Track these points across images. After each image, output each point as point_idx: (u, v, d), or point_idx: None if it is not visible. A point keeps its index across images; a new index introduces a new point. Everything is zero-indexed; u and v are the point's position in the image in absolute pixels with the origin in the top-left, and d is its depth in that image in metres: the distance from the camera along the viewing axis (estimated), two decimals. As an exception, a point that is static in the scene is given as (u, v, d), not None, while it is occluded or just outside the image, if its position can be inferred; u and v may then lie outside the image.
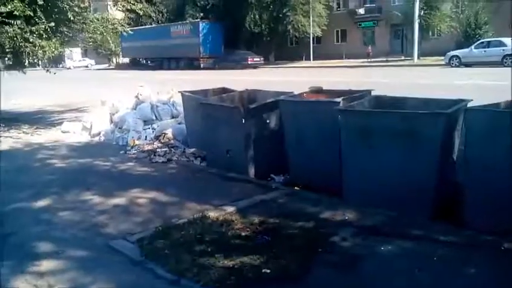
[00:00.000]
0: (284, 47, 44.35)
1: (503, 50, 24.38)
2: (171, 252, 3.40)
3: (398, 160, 4.09)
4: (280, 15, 38.38)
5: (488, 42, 25.98)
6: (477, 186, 3.66)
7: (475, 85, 14.12)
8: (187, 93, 7.21)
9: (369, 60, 34.82)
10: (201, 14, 41.97)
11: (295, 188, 5.07)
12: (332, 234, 3.65)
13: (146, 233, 3.79)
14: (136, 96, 8.90)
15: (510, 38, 25.48)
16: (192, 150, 6.89)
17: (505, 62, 23.82)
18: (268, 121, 5.69)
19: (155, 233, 3.76)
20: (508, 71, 20.72)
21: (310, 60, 38.82)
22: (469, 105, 4.25)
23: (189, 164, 6.48)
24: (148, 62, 46.87)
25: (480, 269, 3.00)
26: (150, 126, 8.22)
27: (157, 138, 7.58)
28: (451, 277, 2.96)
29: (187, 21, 41.82)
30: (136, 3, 14.17)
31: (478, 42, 26.68)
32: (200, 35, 40.20)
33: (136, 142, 7.68)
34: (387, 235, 3.62)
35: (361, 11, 41.44)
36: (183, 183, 5.44)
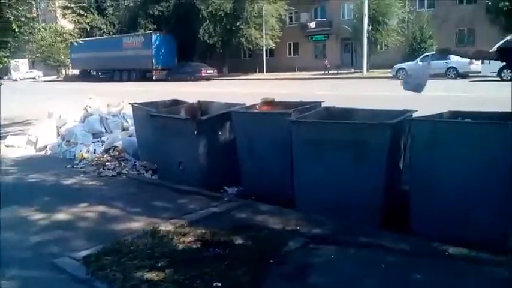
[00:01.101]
0: (238, 59, 44.64)
1: (446, 62, 25.56)
2: (119, 269, 3.28)
3: (347, 170, 4.16)
4: (234, 28, 38.65)
5: (433, 55, 27.09)
6: (421, 193, 3.78)
7: (420, 96, 14.64)
8: (137, 105, 7.08)
9: (326, 72, 35.61)
10: (154, 26, 41.67)
11: (248, 199, 5.05)
12: (284, 244, 3.65)
13: (93, 249, 3.65)
14: (85, 109, 8.66)
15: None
16: (143, 163, 6.76)
17: (449, 74, 25.02)
18: (220, 133, 5.66)
19: (102, 249, 3.63)
20: (451, 82, 21.75)
21: (263, 72, 39.28)
22: (414, 115, 4.40)
23: (139, 177, 6.34)
24: (99, 73, 45.93)
25: (426, 275, 3.08)
26: (99, 139, 8.01)
27: (106, 151, 7.37)
28: (398, 283, 3.03)
29: (140, 33, 41.44)
30: (85, 16, 13.90)
31: (423, 55, 27.83)
32: (153, 46, 39.88)
33: (85, 155, 7.45)
34: (338, 244, 3.67)
35: (312, 24, 42.44)
36: (133, 197, 5.31)
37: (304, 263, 3.34)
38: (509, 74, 21.06)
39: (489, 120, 3.85)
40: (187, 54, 40.73)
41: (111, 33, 47.30)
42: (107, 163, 6.78)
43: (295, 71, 40.49)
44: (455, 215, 3.62)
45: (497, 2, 27.12)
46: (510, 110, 3.77)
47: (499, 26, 27.22)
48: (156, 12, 40.99)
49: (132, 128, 7.96)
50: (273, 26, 39.58)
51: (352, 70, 35.85)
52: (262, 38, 38.50)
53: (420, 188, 3.79)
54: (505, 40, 21.57)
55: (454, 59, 25.49)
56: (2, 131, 11.08)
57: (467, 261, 3.24)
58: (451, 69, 25.12)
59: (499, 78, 21.35)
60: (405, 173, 4.43)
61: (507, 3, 26.19)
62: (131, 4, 44.07)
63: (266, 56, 40.35)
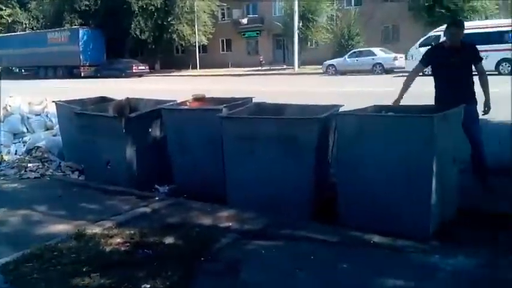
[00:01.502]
0: (170, 56, 43.94)
1: (373, 59, 26.68)
2: (41, 276, 3.10)
3: (278, 165, 4.21)
4: (165, 23, 38.03)
5: (360, 51, 28.25)
6: (348, 186, 3.89)
7: (348, 91, 15.19)
8: (62, 103, 6.75)
9: (261, 68, 35.91)
10: (81, 21, 40.01)
11: (180, 197, 4.97)
12: (216, 241, 3.63)
13: (12, 257, 3.41)
14: (5, 108, 8.14)
15: (379, 48, 27.97)
16: (68, 163, 6.45)
17: (375, 70, 26.09)
18: (150, 130, 5.53)
19: (22, 256, 3.41)
20: (377, 78, 22.69)
21: (196, 68, 38.97)
22: (341, 110, 4.52)
23: (65, 179, 6.05)
24: (23, 70, 43.39)
25: (353, 264, 3.18)
26: (20, 139, 7.56)
27: (29, 152, 6.97)
28: (327, 274, 3.10)
29: (66, 28, 39.65)
30: (3, 10, 13.08)
31: (351, 51, 28.87)
32: (80, 42, 38.30)
33: (5, 157, 6.99)
34: (269, 238, 3.69)
35: (245, 21, 42.63)
36: (57, 199, 5.04)
37: (236, 259, 3.33)
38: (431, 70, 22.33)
39: (411, 114, 4.03)
40: (117, 50, 39.48)
41: (34, 28, 44.86)
42: (29, 164, 6.40)
43: (228, 67, 40.50)
44: (381, 206, 3.75)
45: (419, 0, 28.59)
46: (431, 104, 3.98)
47: (421, 23, 28.70)
48: (83, 7, 39.34)
49: (56, 127, 7.58)
50: (205, 22, 39.35)
51: (284, 66, 36.44)
52: (195, 34, 38.14)
53: (347, 180, 3.90)
54: (427, 36, 22.91)
55: (380, 56, 26.70)
56: None
57: (391, 249, 3.38)
58: (377, 65, 26.23)
59: (421, 74, 22.54)
60: (333, 167, 4.54)
61: (429, 1, 27.68)
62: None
63: (199, 52, 40.06)
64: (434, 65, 4.94)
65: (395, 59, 26.16)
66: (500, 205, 4.31)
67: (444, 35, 5.01)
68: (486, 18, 26.22)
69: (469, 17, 26.51)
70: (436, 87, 4.97)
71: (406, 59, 24.50)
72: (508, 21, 22.44)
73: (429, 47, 5.00)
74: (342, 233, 3.70)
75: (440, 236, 3.62)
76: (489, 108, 4.86)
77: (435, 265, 3.11)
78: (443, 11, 26.67)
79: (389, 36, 36.75)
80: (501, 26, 20.99)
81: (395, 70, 25.88)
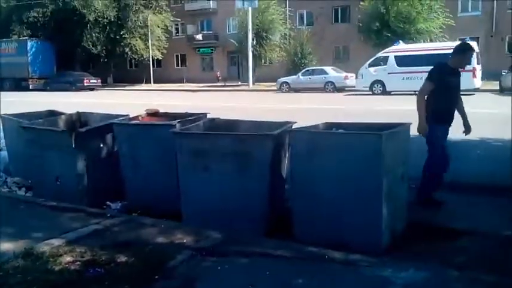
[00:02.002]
0: (123, 69, 43.34)
1: (325, 77, 27.41)
2: (-17, 298, 2.97)
3: (232, 181, 4.23)
4: (118, 37, 37.50)
5: (313, 70, 28.95)
6: (301, 201, 3.97)
7: (301, 108, 15.50)
8: (8, 117, 6.51)
9: (219, 83, 35.96)
10: (29, 32, 38.75)
11: (133, 214, 4.89)
12: (170, 258, 3.57)
13: (-48, 278, 3.26)
14: None
15: (331, 67, 28.77)
16: (15, 179, 6.21)
17: (327, 88, 26.78)
18: (102, 145, 5.43)
19: (-37, 277, 3.26)
20: (329, 96, 23.27)
21: (150, 83, 38.55)
22: (294, 126, 4.62)
23: (11, 195, 5.79)
24: (-33, 82, 41.41)
25: (307, 279, 3.23)
26: (-38, 154, 7.20)
27: (-29, 167, 6.66)
28: (282, 289, 3.14)
29: (13, 39, 38.29)
30: None
31: (304, 70, 29.53)
32: (28, 54, 37.12)
33: None
34: (224, 255, 3.68)
35: (199, 37, 42.75)
36: (2, 217, 4.82)
37: (191, 277, 3.30)
38: (380, 89, 23.19)
39: (359, 131, 4.18)
40: (67, 62, 38.57)
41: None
42: (-28, 181, 6.12)
43: (183, 82, 40.34)
44: (333, 220, 3.85)
45: (368, 23, 29.69)
46: (380, 122, 4.14)
47: (370, 44, 29.78)
48: (31, 19, 38.15)
49: (2, 142, 7.28)
50: (159, 37, 39.16)
51: (239, 83, 36.73)
52: (148, 48, 37.81)
53: (300, 196, 3.98)
54: (376, 57, 23.79)
55: (332, 74, 27.46)
56: None
57: (345, 263, 3.45)
58: (329, 84, 26.94)
59: (370, 92, 23.35)
60: (288, 182, 4.61)
61: (377, 24, 28.81)
62: (3, 8, 40.52)
63: (153, 66, 39.74)
64: (442, 83, 4.91)
65: (346, 78, 27.02)
66: (450, 220, 4.53)
67: (453, 56, 5.11)
68: (431, 40, 27.54)
69: (415, 39, 27.75)
70: (436, 104, 4.92)
71: (356, 77, 25.33)
72: (451, 43, 23.71)
73: (436, 65, 5.11)
74: (296, 249, 3.74)
75: (392, 250, 3.76)
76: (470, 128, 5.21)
77: (387, 279, 3.19)
78: (389, 35, 27.78)
79: (340, 55, 37.91)
80: (445, 49, 22.09)
81: (346, 88, 26.69)
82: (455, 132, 5.19)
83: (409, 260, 3.55)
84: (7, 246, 3.94)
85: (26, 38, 38.22)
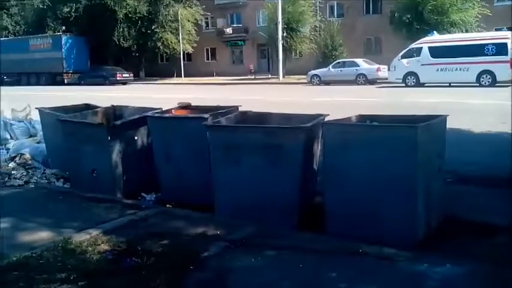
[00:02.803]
0: (155, 64, 43.89)
1: (356, 69, 27.03)
2: (26, 285, 3.07)
3: (264, 174, 4.24)
4: (149, 32, 37.96)
5: (344, 62, 28.60)
6: (334, 194, 3.94)
7: (333, 101, 15.36)
8: (46, 110, 6.69)
9: (250, 77, 35.95)
10: (63, 27, 39.67)
11: (167, 206, 4.97)
12: (204, 250, 3.63)
13: (-3, 265, 3.40)
14: (-14, 114, 8.05)
15: (362, 59, 28.36)
16: (53, 171, 6.39)
17: (358, 81, 26.43)
18: (136, 138, 5.52)
19: (7, 264, 3.38)
20: (361, 88, 22.98)
21: (181, 77, 38.91)
22: (326, 119, 4.59)
23: (50, 186, 5.98)
24: (4, 77, 42.75)
25: (340, 273, 3.21)
26: (3, 146, 7.46)
27: (12, 159, 6.88)
28: (315, 283, 3.12)
29: (48, 34, 39.26)
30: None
31: (335, 62, 29.21)
32: (63, 49, 38.00)
33: (-13, 165, 6.91)
34: (257, 247, 3.71)
35: (229, 30, 42.83)
36: (42, 207, 5.00)
37: (224, 268, 3.34)
38: (413, 81, 22.74)
39: (394, 124, 4.12)
40: (101, 57, 39.30)
41: (17, 34, 44.36)
42: (13, 172, 6.33)
43: (213, 76, 40.58)
44: (366, 214, 3.80)
45: (401, 14, 29.12)
46: (414, 114, 4.05)
47: (402, 36, 29.22)
48: (65, 14, 39.04)
49: (40, 135, 7.51)
50: (189, 31, 39.40)
51: (269, 76, 36.64)
52: (179, 42, 38.14)
53: (333, 188, 3.95)
54: (408, 48, 23.33)
55: (364, 66, 27.07)
56: None
57: (379, 258, 3.42)
58: (361, 76, 26.58)
59: (403, 84, 22.94)
60: (320, 175, 4.59)
61: (408, 16, 28.22)
62: (39, 5, 41.58)
63: (183, 60, 40.03)
64: None
65: (378, 70, 26.57)
66: (486, 214, 4.41)
67: None
68: (466, 31, 26.80)
69: (448, 30, 27.07)
70: None
71: (388, 69, 24.90)
72: (487, 34, 23.02)
73: None
74: (329, 242, 3.73)
75: (427, 245, 3.69)
76: None
77: (423, 274, 3.15)
78: (422, 26, 27.16)
79: (371, 47, 37.32)
80: (481, 39, 21.49)
81: (378, 81, 26.28)
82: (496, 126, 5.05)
83: (445, 255, 3.48)
84: (47, 235, 4.09)
85: (61, 33, 39.10)
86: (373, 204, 3.77)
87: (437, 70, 21.63)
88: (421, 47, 22.86)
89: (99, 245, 3.74)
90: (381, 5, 36.32)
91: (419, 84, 22.50)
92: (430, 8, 27.33)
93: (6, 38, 42.77)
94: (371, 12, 37.50)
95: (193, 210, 4.64)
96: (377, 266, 3.32)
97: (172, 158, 5.14)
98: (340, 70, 27.54)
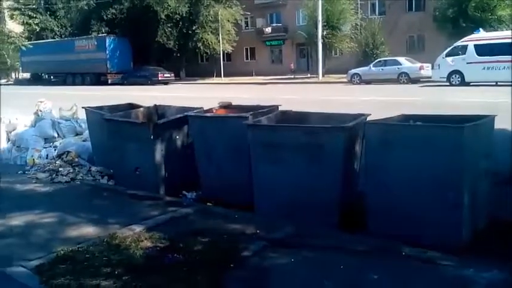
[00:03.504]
0: (195, 63, 44.45)
1: (398, 68, 26.44)
2: (73, 277, 3.18)
3: (304, 173, 4.22)
4: (190, 32, 38.46)
5: (385, 61, 28.03)
6: (377, 194, 3.88)
7: (374, 101, 15.10)
8: (91, 109, 6.91)
9: (289, 76, 35.84)
10: (107, 29, 40.81)
11: (208, 204, 5.03)
12: (244, 249, 3.65)
13: (46, 258, 3.52)
14: (36, 113, 8.36)
15: (404, 57, 27.73)
16: (98, 168, 6.59)
17: (401, 80, 25.84)
18: (177, 137, 5.62)
19: (56, 257, 3.51)
20: (403, 87, 22.49)
21: (221, 76, 39.23)
22: (368, 119, 4.52)
23: (95, 183, 6.18)
24: (51, 77, 44.45)
25: (382, 275, 3.16)
26: (51, 144, 7.75)
27: (59, 156, 7.15)
28: (356, 285, 3.09)
29: (93, 36, 40.47)
30: (34, 17, 13.49)
31: (376, 61, 28.67)
32: (107, 50, 39.03)
33: (36, 161, 7.20)
34: (297, 247, 3.70)
35: (268, 30, 42.87)
36: (88, 203, 5.17)
37: (264, 267, 3.36)
38: (458, 79, 22.05)
39: (439, 123, 4.00)
40: (143, 57, 40.12)
41: (63, 35, 45.97)
42: (60, 169, 6.57)
43: (252, 75, 40.70)
44: (410, 215, 3.73)
45: (445, 11, 28.26)
46: (459, 114, 3.93)
47: (446, 33, 28.38)
48: (109, 16, 40.15)
49: (86, 133, 7.75)
50: (229, 31, 39.65)
51: (308, 75, 36.41)
52: (219, 42, 38.48)
53: (375, 189, 3.89)
54: (452, 47, 22.64)
55: (406, 65, 26.47)
56: None
57: (422, 261, 3.34)
58: (403, 75, 25.99)
59: (448, 83, 22.28)
60: (361, 175, 4.53)
61: (454, 12, 27.34)
62: (84, 7, 42.94)
63: (223, 60, 40.35)
64: None
65: (421, 68, 25.89)
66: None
67: None
68: (515, 28, 25.74)
69: (495, 27, 26.08)
70: None
71: (432, 68, 24.24)
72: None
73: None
74: (370, 243, 3.68)
75: (473, 248, 3.58)
76: None
77: (468, 279, 3.06)
78: (467, 23, 26.27)
79: (414, 45, 36.47)
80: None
81: (421, 79, 25.62)
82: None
83: (492, 259, 3.36)
84: (92, 230, 4.22)
85: (105, 34, 40.19)
86: (416, 205, 3.68)
87: (483, 68, 20.86)
88: (467, 45, 22.10)
89: (142, 241, 3.82)
90: (424, 2, 35.43)
91: (464, 83, 21.77)
92: (474, 4, 26.39)
93: (53, 40, 44.37)
94: (414, 9, 36.62)
95: (233, 208, 4.68)
96: (420, 269, 3.25)
97: (213, 156, 5.20)
98: (382, 69, 27.02)
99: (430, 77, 24.48)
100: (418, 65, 26.30)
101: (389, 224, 3.80)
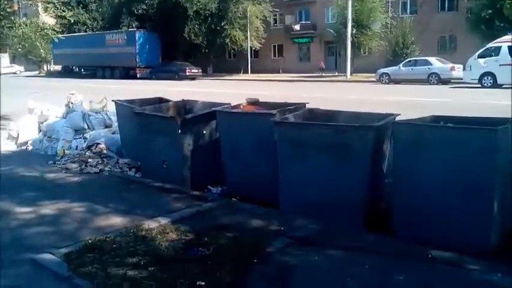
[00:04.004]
0: (222, 60, 44.59)
1: (428, 68, 25.95)
2: (101, 266, 3.26)
3: (331, 172, 4.20)
4: (218, 28, 38.59)
5: (415, 60, 27.55)
6: (404, 196, 3.83)
7: (403, 101, 14.88)
8: (121, 103, 7.02)
9: (320, 74, 35.62)
10: (137, 23, 41.33)
11: (232, 199, 5.06)
12: (267, 245, 3.66)
13: (74, 246, 3.61)
14: (67, 105, 8.55)
15: (435, 58, 27.20)
16: (126, 160, 6.71)
17: (431, 80, 25.37)
18: (204, 132, 5.66)
19: (84, 246, 3.60)
20: (433, 88, 22.09)
21: (248, 73, 39.29)
22: (397, 119, 4.46)
23: (122, 175, 6.29)
24: (82, 70, 45.34)
25: (408, 277, 3.12)
26: (81, 135, 7.91)
27: (89, 148, 7.30)
28: (380, 285, 3.06)
29: (123, 30, 41.05)
30: (67, 10, 13.76)
31: (406, 60, 28.22)
32: (136, 44, 39.54)
33: (67, 152, 7.37)
34: (321, 245, 3.69)
35: (297, 27, 42.64)
36: (115, 194, 5.26)
37: (288, 264, 3.36)
38: (490, 81, 21.53)
39: (470, 125, 3.92)
40: (171, 52, 40.52)
41: (94, 29, 46.78)
42: (89, 160, 6.71)
43: (279, 72, 40.63)
44: (437, 217, 3.67)
45: (479, 11, 27.58)
46: (491, 116, 3.84)
47: (479, 34, 27.71)
48: (140, 11, 40.64)
49: (115, 125, 7.89)
50: (257, 27, 39.64)
51: (336, 73, 36.10)
52: (247, 39, 38.52)
53: (402, 190, 3.84)
54: (485, 48, 22.09)
55: (437, 65, 25.96)
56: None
57: (449, 264, 3.29)
58: (433, 75, 25.50)
59: (479, 85, 21.77)
60: (388, 176, 4.48)
61: (489, 13, 26.65)
62: (116, 1, 43.60)
63: (251, 57, 40.39)
64: None
65: (452, 69, 25.34)
66: None
67: None
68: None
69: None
70: None
71: (463, 69, 23.71)
72: None
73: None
74: (396, 245, 3.64)
75: (501, 252, 3.50)
76: None
77: (496, 284, 3.00)
78: (502, 24, 25.53)
79: (445, 46, 35.73)
80: None
81: (452, 81, 25.10)
82: None
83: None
84: (119, 221, 4.31)
85: (135, 29, 40.74)
86: (445, 208, 3.62)
87: (517, 71, 20.31)
88: (500, 46, 21.54)
89: (168, 233, 3.88)
90: (457, 1, 34.64)
91: (496, 85, 21.23)
92: (508, 6, 25.63)
93: (84, 33, 45.20)
94: (446, 9, 35.85)
95: (258, 204, 4.69)
96: (447, 273, 3.19)
97: (239, 152, 5.22)
98: (411, 69, 26.57)
99: (461, 78, 23.94)
100: (449, 65, 25.75)
101: (415, 225, 3.75)
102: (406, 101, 14.75)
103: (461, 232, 3.55)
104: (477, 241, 3.49)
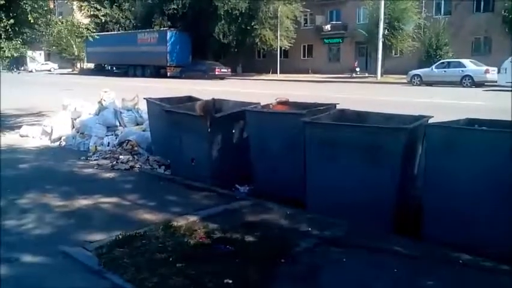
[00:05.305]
0: (252, 59, 44.65)
1: (462, 70, 25.35)
2: (130, 261, 3.31)
3: (360, 173, 4.16)
4: (248, 28, 38.63)
5: (449, 62, 26.97)
6: (435, 199, 3.75)
7: (435, 103, 14.60)
8: (152, 100, 7.12)
9: (354, 75, 35.23)
10: (169, 23, 41.82)
11: (260, 198, 5.06)
12: (295, 245, 3.66)
13: (105, 241, 3.69)
14: (100, 102, 8.73)
15: (469, 60, 26.55)
16: (156, 158, 6.80)
17: (464, 83, 24.77)
18: (233, 131, 5.68)
19: (115, 241, 3.67)
20: (467, 91, 21.58)
21: (277, 73, 39.22)
22: (430, 121, 4.38)
23: (152, 172, 6.38)
24: (114, 68, 46.17)
25: (437, 281, 3.07)
26: (113, 132, 8.07)
27: (120, 145, 7.43)
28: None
29: (155, 29, 41.62)
30: (101, 9, 14.05)
31: (439, 62, 27.65)
32: (168, 43, 39.99)
33: (98, 148, 7.53)
34: (349, 246, 3.66)
35: (327, 27, 42.31)
36: (145, 191, 5.35)
37: (316, 264, 3.34)
38: (526, 85, 20.87)
39: (505, 129, 3.81)
40: (201, 52, 40.82)
41: (126, 28, 47.58)
42: (120, 156, 6.84)
43: (308, 73, 40.43)
44: (469, 222, 3.59)
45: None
46: None
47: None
48: (171, 10, 41.13)
49: (146, 123, 8.01)
50: (287, 28, 39.50)
51: (366, 74, 35.68)
52: (277, 39, 38.47)
53: (434, 193, 3.76)
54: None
55: (471, 68, 25.32)
56: (17, 121, 11.21)
57: (480, 270, 3.22)
58: (467, 78, 24.90)
59: (514, 88, 21.14)
60: (419, 179, 4.40)
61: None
62: (148, 1, 44.26)
63: (280, 57, 40.28)
64: None
65: (486, 71, 24.68)
66: None
67: None
68: None
69: None
70: None
71: (498, 72, 23.08)
72: None
73: None
74: (426, 248, 3.58)
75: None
76: None
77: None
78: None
79: (480, 48, 34.81)
80: None
81: (486, 83, 24.45)
82: None
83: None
84: (149, 217, 4.37)
85: (166, 28, 41.22)
86: (477, 212, 3.55)
87: (555, 74, 19.66)
88: (538, 49, 20.90)
89: (196, 230, 3.91)
90: (493, 2, 33.72)
91: (533, 88, 20.61)
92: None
93: (117, 32, 46.03)
94: (481, 10, 34.93)
95: (286, 204, 4.69)
96: (478, 279, 3.13)
97: (267, 152, 5.22)
98: (444, 71, 26.01)
99: (495, 81, 23.31)
100: (484, 68, 25.09)
101: (446, 229, 3.68)
102: (439, 104, 14.46)
103: (492, 237, 3.47)
104: (509, 247, 3.39)
